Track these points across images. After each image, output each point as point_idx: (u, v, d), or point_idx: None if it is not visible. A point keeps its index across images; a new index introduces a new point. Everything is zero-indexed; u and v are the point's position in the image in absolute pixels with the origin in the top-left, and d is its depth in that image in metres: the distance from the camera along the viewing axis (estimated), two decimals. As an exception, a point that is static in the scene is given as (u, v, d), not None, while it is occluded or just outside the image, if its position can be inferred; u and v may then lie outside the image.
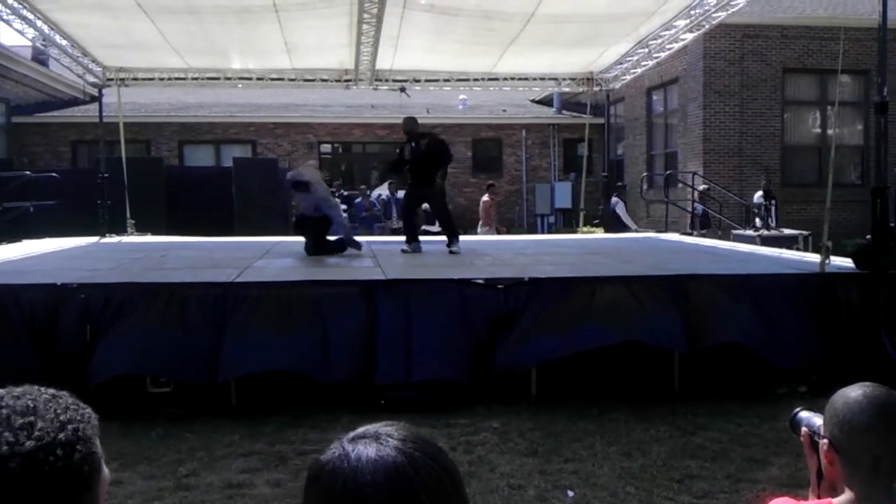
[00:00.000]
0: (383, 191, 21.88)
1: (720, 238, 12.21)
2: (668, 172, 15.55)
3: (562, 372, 6.12)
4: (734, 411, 5.82)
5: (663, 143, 19.39)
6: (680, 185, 16.07)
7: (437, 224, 9.88)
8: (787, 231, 12.33)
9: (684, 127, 17.71)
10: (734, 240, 11.77)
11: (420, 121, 9.67)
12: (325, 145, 23.31)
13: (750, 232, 12.19)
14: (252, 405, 5.89)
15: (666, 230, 13.71)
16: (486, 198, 16.58)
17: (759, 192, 13.76)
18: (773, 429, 5.26)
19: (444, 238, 9.18)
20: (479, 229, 16.32)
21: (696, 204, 14.80)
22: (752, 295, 6.36)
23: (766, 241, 11.21)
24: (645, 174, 18.56)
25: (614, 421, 5.65)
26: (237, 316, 5.86)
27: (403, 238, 9.39)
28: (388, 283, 6.26)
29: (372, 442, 0.96)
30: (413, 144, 8.92)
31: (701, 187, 14.97)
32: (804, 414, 1.69)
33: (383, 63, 12.42)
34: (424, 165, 8.86)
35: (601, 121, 18.14)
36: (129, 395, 5.84)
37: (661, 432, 5.40)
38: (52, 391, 0.99)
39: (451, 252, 8.82)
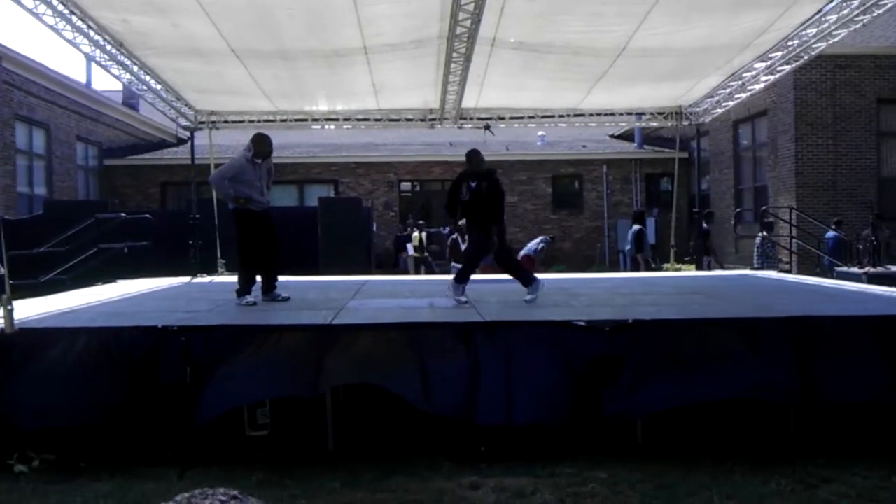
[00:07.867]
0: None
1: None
2: (763, 208, 14.99)
3: (668, 418, 5.83)
4: (858, 463, 5.46)
5: (752, 176, 18.85)
6: (771, 219, 15.50)
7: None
8: (893, 268, 11.65)
9: (774, 160, 17.17)
10: (837, 278, 11.18)
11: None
12: (405, 183, 23.51)
13: (855, 269, 11.55)
14: (350, 451, 5.78)
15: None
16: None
17: (869, 228, 12.84)
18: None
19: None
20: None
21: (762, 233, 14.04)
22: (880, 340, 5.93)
23: (872, 279, 10.62)
24: (738, 210, 18.04)
25: (729, 472, 5.35)
26: (336, 348, 5.79)
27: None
28: (486, 326, 6.09)
29: None
30: (474, 184, 7.75)
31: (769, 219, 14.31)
32: None
33: (469, 101, 12.44)
34: (483, 208, 7.78)
35: (685, 155, 17.78)
36: (228, 440, 5.80)
37: (783, 486, 5.08)
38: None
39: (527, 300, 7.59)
